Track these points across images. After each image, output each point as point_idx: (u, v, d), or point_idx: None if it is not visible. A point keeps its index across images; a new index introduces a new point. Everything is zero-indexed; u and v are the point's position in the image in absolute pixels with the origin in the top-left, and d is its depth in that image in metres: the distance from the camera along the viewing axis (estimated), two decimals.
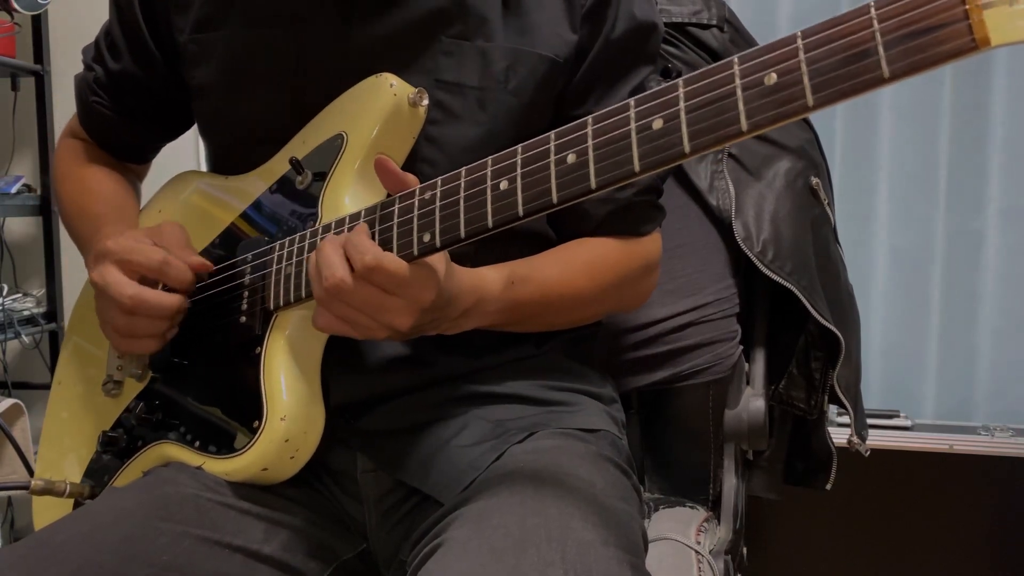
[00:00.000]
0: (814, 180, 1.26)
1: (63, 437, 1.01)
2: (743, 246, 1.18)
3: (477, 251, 0.73)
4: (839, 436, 1.29)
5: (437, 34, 0.85)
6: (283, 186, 0.87)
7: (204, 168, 1.02)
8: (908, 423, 1.95)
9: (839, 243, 1.34)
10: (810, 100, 0.53)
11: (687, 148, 0.58)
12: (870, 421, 1.38)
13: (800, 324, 1.25)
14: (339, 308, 0.72)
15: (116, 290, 0.82)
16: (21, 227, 2.48)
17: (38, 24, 2.29)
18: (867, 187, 2.10)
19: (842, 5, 2.08)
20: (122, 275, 0.82)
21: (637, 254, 0.94)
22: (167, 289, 0.84)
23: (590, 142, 0.62)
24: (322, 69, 0.86)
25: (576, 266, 0.90)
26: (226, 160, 0.96)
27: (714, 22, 1.27)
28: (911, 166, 2.07)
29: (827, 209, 1.29)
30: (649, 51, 0.94)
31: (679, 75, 1.24)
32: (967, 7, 0.48)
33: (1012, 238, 2.04)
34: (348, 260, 0.70)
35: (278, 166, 0.89)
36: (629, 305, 1.01)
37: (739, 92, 0.56)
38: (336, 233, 0.77)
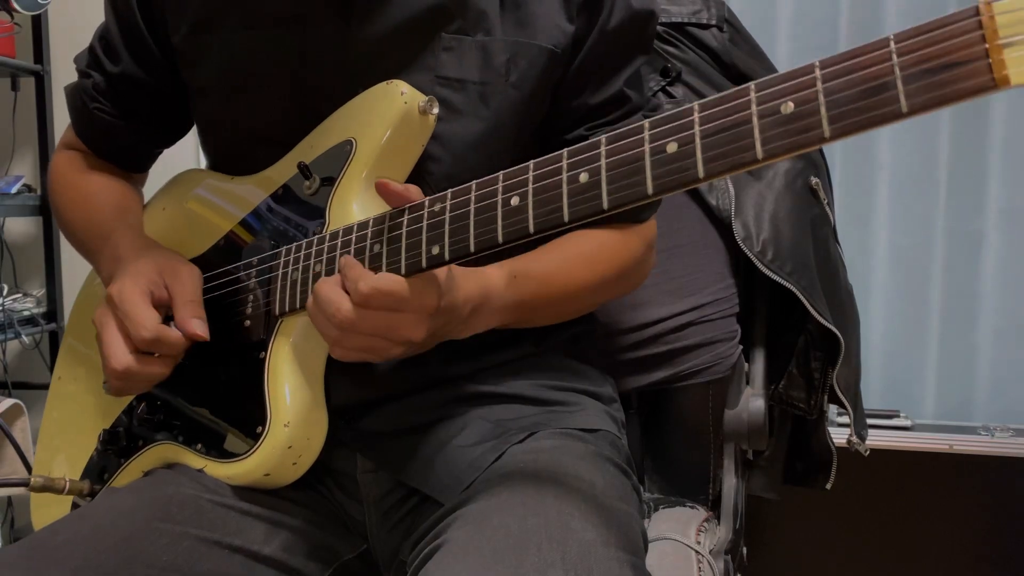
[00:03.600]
0: (814, 180, 1.26)
1: (62, 434, 1.01)
2: (743, 246, 1.18)
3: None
4: (839, 436, 1.30)
5: (437, 31, 0.85)
6: (290, 191, 0.87)
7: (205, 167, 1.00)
8: (908, 423, 1.95)
9: (839, 243, 1.34)
10: (827, 131, 0.53)
11: (701, 173, 0.57)
12: (870, 421, 1.38)
13: (800, 324, 1.25)
14: (353, 340, 0.72)
15: (106, 351, 0.82)
16: (21, 227, 2.48)
17: (38, 24, 2.29)
18: (867, 187, 2.09)
19: (841, 6, 2.08)
20: (117, 337, 0.82)
21: (636, 240, 0.94)
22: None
23: (603, 162, 0.62)
24: (324, 68, 0.86)
25: (575, 257, 0.89)
26: (227, 161, 0.95)
27: (713, 22, 1.27)
28: (911, 166, 2.07)
29: (827, 209, 1.29)
30: (645, 40, 0.94)
31: (678, 75, 1.25)
32: (987, 46, 0.48)
33: (1012, 238, 2.04)
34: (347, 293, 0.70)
35: (284, 170, 0.88)
36: (634, 285, 1.01)
37: (755, 119, 0.55)
38: (344, 241, 0.77)
